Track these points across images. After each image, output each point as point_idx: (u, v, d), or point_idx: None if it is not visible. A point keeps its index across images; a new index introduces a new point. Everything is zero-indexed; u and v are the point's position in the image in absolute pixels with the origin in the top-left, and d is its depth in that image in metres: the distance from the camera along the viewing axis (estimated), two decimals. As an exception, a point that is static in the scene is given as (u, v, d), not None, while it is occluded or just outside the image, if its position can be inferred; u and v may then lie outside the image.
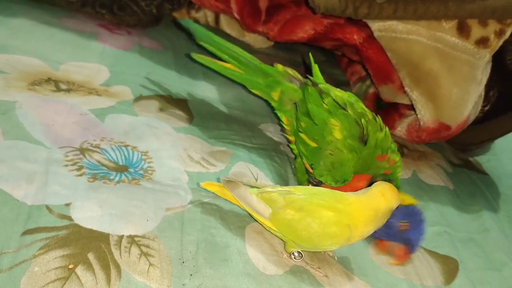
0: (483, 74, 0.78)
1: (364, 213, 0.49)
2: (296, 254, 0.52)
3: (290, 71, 0.69)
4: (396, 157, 0.61)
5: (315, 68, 0.69)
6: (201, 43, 0.77)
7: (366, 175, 0.60)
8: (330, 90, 0.63)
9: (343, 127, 0.59)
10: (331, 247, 0.50)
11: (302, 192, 0.50)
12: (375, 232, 0.51)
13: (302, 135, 0.63)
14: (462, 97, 0.78)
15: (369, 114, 0.61)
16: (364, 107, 0.62)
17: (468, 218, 0.75)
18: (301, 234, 0.49)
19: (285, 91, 0.68)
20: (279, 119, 0.72)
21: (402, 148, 0.88)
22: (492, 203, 0.82)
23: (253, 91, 0.73)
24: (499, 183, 0.91)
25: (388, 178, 0.60)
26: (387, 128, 0.62)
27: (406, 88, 0.82)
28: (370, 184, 0.53)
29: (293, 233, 0.49)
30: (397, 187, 0.54)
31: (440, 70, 0.77)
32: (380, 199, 0.49)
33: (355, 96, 0.64)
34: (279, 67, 0.70)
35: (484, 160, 0.98)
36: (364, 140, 0.59)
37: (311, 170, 0.62)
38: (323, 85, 0.64)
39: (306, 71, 0.89)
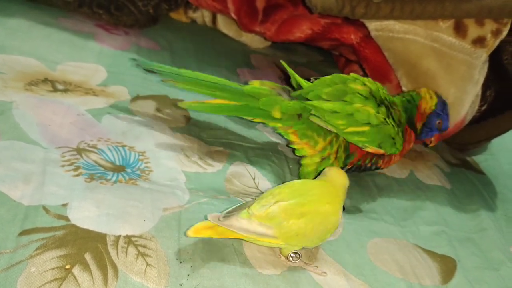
0: (480, 74, 0.79)
1: (336, 193, 0.54)
2: (293, 255, 0.52)
3: (269, 84, 0.66)
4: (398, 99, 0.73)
5: (292, 73, 0.68)
6: (172, 83, 0.67)
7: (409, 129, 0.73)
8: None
9: (371, 110, 0.65)
10: (330, 234, 0.53)
11: (286, 195, 0.50)
12: (424, 134, 0.75)
13: (350, 129, 0.64)
14: (460, 96, 0.78)
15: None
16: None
17: (465, 217, 0.75)
18: (311, 237, 0.50)
19: (286, 106, 0.64)
20: (282, 137, 0.70)
21: (400, 147, 0.88)
22: (489, 203, 0.82)
23: (254, 120, 0.66)
24: (496, 182, 0.91)
25: (412, 106, 0.73)
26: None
27: (403, 88, 0.82)
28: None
29: (303, 240, 0.50)
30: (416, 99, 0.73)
31: (437, 69, 0.77)
32: (339, 181, 0.55)
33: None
34: (256, 83, 0.66)
35: (481, 159, 0.98)
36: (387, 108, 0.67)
37: (381, 151, 0.67)
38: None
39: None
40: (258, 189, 0.62)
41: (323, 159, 0.66)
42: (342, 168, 0.66)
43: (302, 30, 0.91)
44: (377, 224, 0.65)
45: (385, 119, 0.65)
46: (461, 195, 0.81)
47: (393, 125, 0.67)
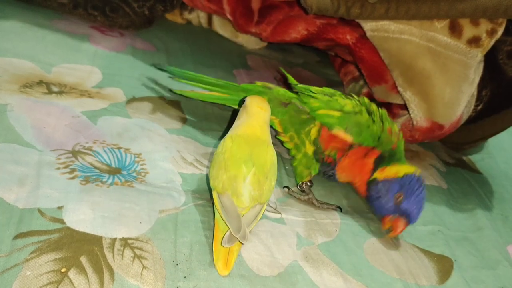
0: (475, 74, 0.79)
1: (262, 132, 0.56)
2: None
3: (268, 84, 0.73)
4: (397, 128, 0.68)
5: (289, 77, 0.75)
6: (181, 80, 0.79)
7: (376, 151, 0.64)
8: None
9: (350, 103, 0.66)
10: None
11: (240, 172, 0.51)
12: (378, 210, 0.62)
13: (322, 111, 0.65)
14: (455, 96, 0.78)
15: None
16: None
17: (462, 217, 0.75)
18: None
19: (275, 94, 0.71)
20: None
21: (396, 147, 0.88)
22: (486, 202, 0.82)
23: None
24: (492, 181, 0.91)
25: (394, 153, 0.65)
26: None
27: (399, 88, 0.82)
28: (376, 162, 0.64)
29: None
30: (400, 160, 0.65)
31: (432, 69, 0.77)
32: (260, 115, 0.57)
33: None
34: (258, 83, 0.74)
35: (478, 158, 0.98)
36: (369, 112, 0.65)
37: (348, 137, 0.64)
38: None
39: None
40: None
41: (304, 155, 0.67)
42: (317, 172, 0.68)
43: (297, 31, 0.91)
44: (373, 224, 0.65)
45: (360, 110, 0.65)
46: (457, 195, 0.81)
47: (371, 119, 0.65)
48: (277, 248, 0.53)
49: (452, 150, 0.97)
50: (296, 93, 0.70)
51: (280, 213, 0.59)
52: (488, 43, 0.77)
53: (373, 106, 0.67)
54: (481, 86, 0.86)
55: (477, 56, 0.76)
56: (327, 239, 0.58)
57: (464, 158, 0.97)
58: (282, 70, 0.78)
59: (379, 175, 0.63)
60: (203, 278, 0.46)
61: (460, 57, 0.76)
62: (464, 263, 0.65)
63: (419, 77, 0.78)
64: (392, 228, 0.60)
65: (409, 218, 0.60)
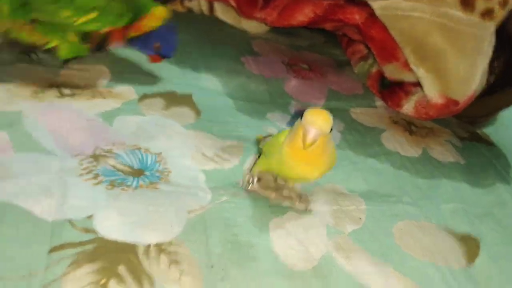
0: (489, 46, 0.77)
1: None
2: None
3: None
4: None
5: None
6: None
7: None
8: None
9: None
10: None
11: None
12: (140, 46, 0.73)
13: (81, 20, 0.63)
14: (470, 71, 0.77)
15: None
16: None
17: (482, 192, 0.75)
18: None
19: None
20: None
21: (410, 125, 0.88)
22: (503, 175, 0.82)
23: None
24: (508, 154, 0.90)
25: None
26: None
27: (412, 66, 0.81)
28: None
29: None
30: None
31: (445, 45, 0.76)
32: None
33: None
34: None
35: (492, 131, 0.97)
36: None
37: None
38: None
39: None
40: (275, 182, 0.62)
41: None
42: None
43: (304, 14, 0.89)
44: (397, 207, 0.64)
45: None
46: (475, 170, 0.81)
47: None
48: (309, 241, 0.53)
49: (466, 124, 0.96)
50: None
51: (306, 204, 0.59)
52: (501, 14, 0.75)
53: None
54: (493, 57, 0.84)
55: (491, 28, 0.75)
56: (355, 227, 0.58)
57: (478, 131, 0.96)
58: None
59: (133, 33, 0.70)
60: (239, 278, 0.46)
61: (474, 31, 0.74)
62: (489, 240, 0.64)
63: (432, 54, 0.77)
64: (152, 59, 0.75)
65: (165, 57, 0.75)
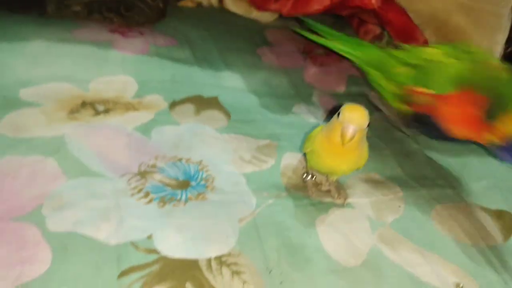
0: (508, 21, 0.78)
1: None
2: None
3: None
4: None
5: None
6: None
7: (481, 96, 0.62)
8: None
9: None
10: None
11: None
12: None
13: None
14: (491, 48, 0.77)
15: None
16: None
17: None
18: None
19: None
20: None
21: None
22: (528, 145, 0.83)
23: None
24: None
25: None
26: None
27: (433, 46, 0.81)
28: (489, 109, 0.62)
29: None
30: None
31: (466, 24, 0.76)
32: None
33: None
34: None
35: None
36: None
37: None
38: None
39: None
40: (314, 180, 0.63)
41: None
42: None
43: (320, 2, 0.89)
44: (433, 190, 0.66)
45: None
46: (500, 143, 0.82)
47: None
48: (354, 235, 0.55)
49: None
50: None
51: (344, 198, 0.61)
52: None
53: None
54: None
55: (510, 3, 0.75)
56: (396, 216, 0.60)
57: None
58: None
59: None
60: (298, 280, 0.48)
61: (493, 8, 0.75)
62: (524, 213, 0.66)
63: (453, 34, 0.77)
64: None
65: None
